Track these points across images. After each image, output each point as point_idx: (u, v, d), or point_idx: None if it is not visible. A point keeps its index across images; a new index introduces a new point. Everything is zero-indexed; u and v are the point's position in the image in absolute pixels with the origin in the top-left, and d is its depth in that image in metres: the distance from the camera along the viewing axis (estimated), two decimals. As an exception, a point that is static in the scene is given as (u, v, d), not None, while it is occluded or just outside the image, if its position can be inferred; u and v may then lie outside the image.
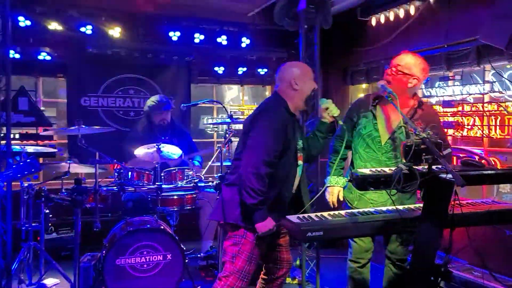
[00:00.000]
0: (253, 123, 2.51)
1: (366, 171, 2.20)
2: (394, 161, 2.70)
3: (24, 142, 4.70)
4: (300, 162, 2.60)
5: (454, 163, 3.66)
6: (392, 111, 2.76)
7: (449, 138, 4.10)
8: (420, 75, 2.71)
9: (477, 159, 3.83)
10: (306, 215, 2.24)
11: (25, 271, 3.88)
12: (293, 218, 2.19)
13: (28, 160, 2.18)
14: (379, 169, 2.25)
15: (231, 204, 2.50)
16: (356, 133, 2.83)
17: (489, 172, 2.21)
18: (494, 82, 3.66)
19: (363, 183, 2.13)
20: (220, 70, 5.65)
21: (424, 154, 2.09)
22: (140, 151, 3.77)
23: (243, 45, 5.47)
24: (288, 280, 4.09)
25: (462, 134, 3.95)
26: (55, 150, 4.47)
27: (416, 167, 2.08)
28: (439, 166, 2.11)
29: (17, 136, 4.72)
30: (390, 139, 2.73)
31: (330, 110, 2.59)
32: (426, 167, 2.06)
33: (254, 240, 2.47)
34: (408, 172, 2.06)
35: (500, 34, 2.27)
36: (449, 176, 1.96)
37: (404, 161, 2.08)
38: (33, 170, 2.19)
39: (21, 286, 3.82)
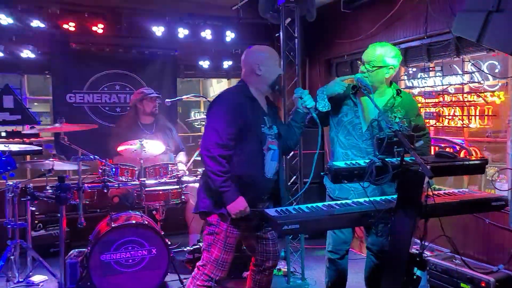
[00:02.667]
0: (208, 110, 2.54)
1: (341, 164, 2.24)
2: (374, 148, 2.74)
3: (10, 140, 4.69)
4: (272, 146, 2.57)
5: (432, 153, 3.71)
6: (376, 96, 2.79)
7: (431, 128, 4.15)
8: (394, 63, 2.75)
9: (458, 149, 3.91)
10: (284, 208, 2.28)
11: (12, 269, 3.91)
12: (271, 211, 2.23)
13: (4, 159, 2.18)
14: (353, 161, 2.30)
15: (202, 193, 2.56)
16: (338, 120, 2.85)
17: (460, 163, 2.26)
18: (473, 72, 3.70)
19: (337, 176, 2.18)
20: (205, 64, 5.65)
21: (396, 146, 2.14)
22: (123, 148, 3.79)
23: (228, 39, 5.46)
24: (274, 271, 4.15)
25: (443, 124, 4.00)
26: (41, 147, 4.46)
27: (390, 159, 2.13)
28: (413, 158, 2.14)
29: (3, 134, 4.71)
30: (370, 126, 2.76)
31: (304, 100, 2.59)
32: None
33: (227, 229, 2.50)
34: (381, 165, 2.11)
35: (472, 27, 2.30)
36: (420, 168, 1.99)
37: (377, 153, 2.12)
38: (9, 168, 2.19)
39: (8, 284, 3.85)
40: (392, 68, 2.74)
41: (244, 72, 2.61)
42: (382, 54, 2.72)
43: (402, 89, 2.95)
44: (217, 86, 7.49)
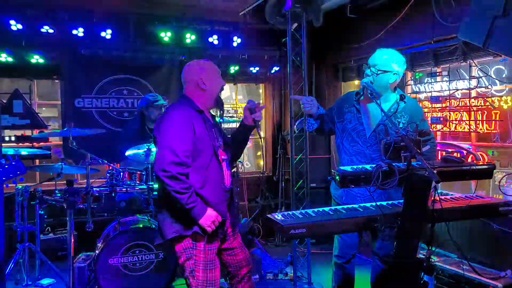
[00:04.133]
0: (157, 128, 2.43)
1: (347, 168, 2.25)
2: (379, 154, 2.74)
3: (20, 144, 4.76)
4: (224, 156, 2.55)
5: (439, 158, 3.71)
6: (375, 105, 2.81)
7: (438, 133, 4.14)
8: (399, 69, 2.76)
9: (465, 154, 3.90)
10: (290, 212, 2.29)
11: (21, 272, 3.95)
12: (276, 216, 2.24)
13: (13, 163, 2.21)
14: (360, 166, 2.31)
15: (168, 218, 2.41)
16: (342, 127, 2.87)
17: (467, 168, 2.26)
18: (480, 77, 3.70)
19: (344, 180, 2.19)
20: (212, 69, 5.68)
21: (402, 151, 2.14)
22: (131, 152, 3.82)
23: (235, 44, 5.50)
24: (280, 275, 4.15)
25: (450, 129, 3.99)
26: (49, 151, 4.52)
27: (397, 163, 2.14)
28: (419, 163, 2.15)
29: (13, 138, 4.78)
30: (374, 132, 2.77)
31: (256, 115, 2.57)
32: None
33: (205, 247, 2.40)
34: (388, 169, 2.12)
35: (478, 32, 2.31)
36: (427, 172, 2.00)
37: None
38: (18, 172, 2.21)
39: (17, 286, 3.89)
40: (396, 74, 2.76)
41: (186, 88, 2.53)
42: (388, 59, 2.74)
43: (406, 94, 2.96)
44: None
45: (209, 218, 2.34)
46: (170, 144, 2.31)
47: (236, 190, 2.70)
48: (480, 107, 3.75)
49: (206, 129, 2.44)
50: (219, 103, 2.59)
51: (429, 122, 4.18)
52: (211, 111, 2.66)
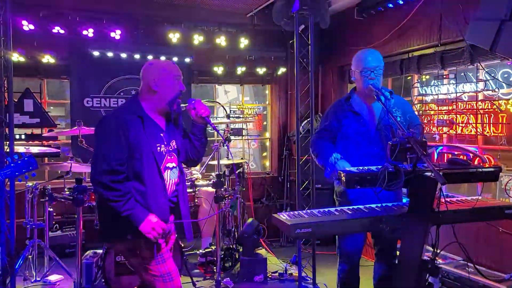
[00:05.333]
0: (94, 133, 2.34)
1: (353, 169, 2.27)
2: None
3: (30, 142, 4.83)
4: (170, 164, 2.37)
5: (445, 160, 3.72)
6: (369, 103, 2.83)
7: (444, 136, 4.15)
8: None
9: (471, 157, 3.90)
10: (296, 212, 2.31)
11: (30, 268, 4.01)
12: (282, 215, 2.26)
13: (26, 159, 2.26)
14: (366, 167, 2.33)
15: (110, 222, 2.30)
16: (342, 135, 2.85)
17: (473, 170, 2.27)
18: (488, 80, 3.70)
19: (350, 181, 2.21)
20: (219, 70, 5.73)
21: (409, 152, 2.16)
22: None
23: (242, 45, 5.54)
24: (285, 276, 4.18)
25: (456, 131, 4.00)
26: (59, 150, 4.58)
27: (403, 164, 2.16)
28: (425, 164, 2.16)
29: (23, 136, 4.85)
30: (378, 130, 2.79)
31: (197, 110, 2.41)
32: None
33: (155, 255, 2.28)
34: (393, 170, 2.14)
35: (485, 35, 2.32)
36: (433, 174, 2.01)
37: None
38: (30, 168, 2.26)
39: (26, 282, 3.95)
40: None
41: (140, 87, 2.37)
42: (381, 59, 2.81)
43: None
44: (227, 94, 7.53)
45: (148, 224, 2.19)
46: (103, 151, 2.21)
47: (184, 204, 2.46)
48: (486, 110, 3.75)
49: (145, 135, 2.26)
50: (172, 110, 2.37)
51: (435, 124, 4.19)
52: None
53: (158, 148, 2.31)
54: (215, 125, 2.53)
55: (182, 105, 2.43)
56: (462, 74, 3.94)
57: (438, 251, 2.20)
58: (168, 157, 2.36)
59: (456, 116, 3.99)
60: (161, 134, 2.35)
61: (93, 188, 2.23)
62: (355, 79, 2.88)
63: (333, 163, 2.61)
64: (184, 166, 2.58)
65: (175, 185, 2.40)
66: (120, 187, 2.19)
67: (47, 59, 5.02)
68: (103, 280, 3.47)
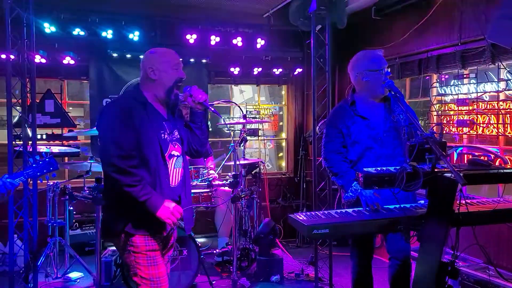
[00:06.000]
0: (98, 123, 2.31)
1: (371, 170, 2.26)
2: (400, 149, 2.73)
3: (51, 142, 4.93)
4: (175, 152, 2.33)
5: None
6: (372, 104, 2.80)
7: (464, 136, 4.08)
8: None
9: (492, 158, 3.82)
10: (313, 212, 2.31)
11: (51, 265, 4.10)
12: (299, 216, 2.26)
13: (47, 159, 2.32)
14: (384, 168, 2.31)
15: (113, 216, 2.28)
16: (353, 141, 2.81)
17: (494, 171, 2.23)
18: (509, 80, 3.63)
19: (368, 182, 2.19)
20: (236, 71, 5.75)
21: (427, 153, 2.14)
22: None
23: (258, 46, 5.55)
24: (301, 276, 4.17)
25: (477, 132, 3.93)
26: (79, 150, 4.67)
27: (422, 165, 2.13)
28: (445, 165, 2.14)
29: (44, 136, 4.96)
30: (387, 131, 2.76)
31: (194, 97, 2.37)
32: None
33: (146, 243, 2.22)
34: (412, 171, 2.12)
35: (507, 34, 2.28)
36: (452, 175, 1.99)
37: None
38: (51, 168, 2.32)
39: (48, 279, 4.03)
40: None
41: (140, 76, 2.35)
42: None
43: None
44: (243, 94, 7.56)
45: (166, 209, 2.17)
46: (113, 137, 2.16)
47: (189, 192, 2.43)
48: (508, 110, 3.67)
49: (149, 121, 2.24)
50: (171, 99, 2.31)
51: (455, 125, 4.12)
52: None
53: (162, 135, 2.28)
54: (215, 110, 2.52)
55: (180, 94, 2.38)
56: (483, 73, 3.87)
57: (458, 253, 2.18)
58: (172, 146, 2.32)
59: (477, 117, 3.92)
60: (164, 123, 2.31)
61: (110, 175, 2.14)
62: (367, 80, 2.76)
63: (358, 190, 2.62)
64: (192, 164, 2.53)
65: (181, 176, 2.36)
66: (136, 172, 2.16)
67: (68, 60, 5.11)
68: (122, 278, 3.53)
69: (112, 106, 2.35)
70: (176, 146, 2.35)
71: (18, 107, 3.81)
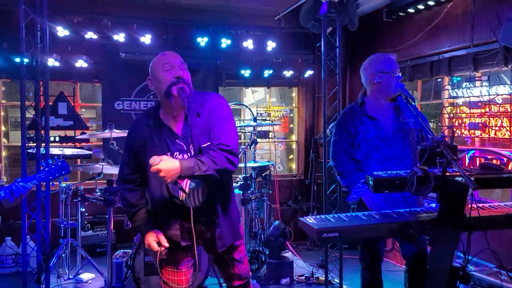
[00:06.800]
0: None
1: (381, 173, 2.25)
2: (408, 151, 2.73)
3: (63, 144, 5.00)
4: None
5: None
6: (382, 105, 2.80)
7: (476, 139, 4.04)
8: None
9: (505, 161, 3.77)
10: (323, 216, 2.30)
11: (63, 266, 4.15)
12: (309, 219, 2.26)
13: (59, 163, 2.37)
14: (394, 172, 2.30)
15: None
16: (361, 141, 2.81)
17: (507, 175, 2.20)
18: (523, 82, 3.58)
19: (378, 185, 2.18)
20: (246, 73, 5.77)
21: (438, 157, 2.12)
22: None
23: (269, 48, 5.56)
24: (312, 279, 4.16)
25: (489, 135, 3.88)
26: (91, 152, 4.72)
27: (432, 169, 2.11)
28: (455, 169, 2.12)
29: (57, 139, 5.03)
30: (395, 132, 2.76)
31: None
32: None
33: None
34: (423, 175, 2.10)
35: (519, 37, 2.25)
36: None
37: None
38: (63, 172, 2.38)
39: (59, 280, 4.08)
40: None
41: None
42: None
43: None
44: (255, 94, 7.58)
45: (146, 241, 2.14)
46: (121, 159, 2.24)
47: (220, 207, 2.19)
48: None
49: (153, 144, 2.10)
50: (171, 102, 2.07)
51: (467, 128, 4.08)
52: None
53: (168, 155, 2.07)
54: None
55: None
56: (496, 76, 3.82)
57: (469, 258, 2.15)
58: None
59: (489, 119, 3.87)
60: (177, 140, 2.11)
61: None
62: (378, 81, 2.77)
63: (361, 193, 2.63)
64: None
65: (199, 194, 2.10)
66: (129, 196, 2.17)
67: (80, 63, 5.18)
68: (132, 279, 3.55)
69: (130, 125, 2.30)
70: None
71: (31, 110, 3.87)
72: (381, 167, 2.79)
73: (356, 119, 2.81)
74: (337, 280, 4.06)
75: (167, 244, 2.13)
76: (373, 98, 2.83)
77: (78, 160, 5.18)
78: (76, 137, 5.01)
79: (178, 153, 2.11)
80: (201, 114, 2.15)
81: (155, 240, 2.12)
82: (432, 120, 4.77)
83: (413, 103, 2.70)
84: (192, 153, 2.11)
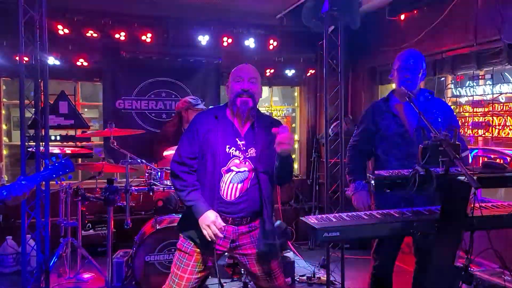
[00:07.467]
0: None
1: (383, 173, 2.22)
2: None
3: (64, 143, 4.99)
4: (235, 168, 2.33)
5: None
6: (406, 102, 2.77)
7: (479, 138, 4.00)
8: (425, 67, 2.85)
9: (508, 160, 3.74)
10: (324, 215, 2.28)
11: (63, 265, 4.13)
12: (310, 218, 2.23)
13: (63, 161, 2.34)
14: (396, 171, 2.27)
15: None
16: (380, 137, 2.82)
17: (510, 175, 2.17)
18: (527, 81, 3.55)
19: (380, 184, 2.16)
20: (248, 72, 5.73)
21: (441, 156, 2.09)
22: (169, 152, 3.91)
23: (271, 47, 5.54)
24: (313, 279, 4.13)
25: (493, 134, 3.84)
26: (92, 151, 4.71)
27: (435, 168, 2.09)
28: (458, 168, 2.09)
29: (58, 138, 5.02)
30: (416, 130, 2.74)
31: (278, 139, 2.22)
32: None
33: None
34: (425, 174, 2.07)
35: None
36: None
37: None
38: (67, 170, 2.34)
39: (60, 279, 4.07)
40: (422, 71, 2.82)
41: None
42: (420, 60, 2.81)
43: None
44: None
45: (205, 219, 2.26)
46: (178, 146, 2.44)
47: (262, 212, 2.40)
48: (525, 111, 3.59)
49: (216, 135, 2.33)
50: (233, 111, 2.35)
51: (470, 127, 4.04)
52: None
53: (228, 149, 2.34)
54: None
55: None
56: (499, 74, 3.78)
57: (472, 258, 2.12)
58: (236, 160, 2.34)
59: (493, 118, 3.83)
60: (237, 139, 2.35)
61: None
62: (392, 77, 2.90)
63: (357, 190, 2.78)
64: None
65: (240, 192, 2.33)
66: (186, 177, 2.34)
67: (81, 62, 5.17)
68: (133, 279, 3.54)
69: (194, 117, 2.51)
70: (246, 163, 2.34)
71: (31, 109, 3.86)
72: (401, 164, 2.74)
73: (377, 115, 2.85)
74: (339, 280, 4.03)
75: (223, 224, 2.30)
76: (397, 95, 2.88)
77: (79, 159, 5.17)
78: (76, 136, 4.99)
79: (234, 148, 2.35)
80: (267, 130, 2.35)
81: (217, 216, 2.28)
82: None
83: (416, 102, 2.69)
84: (253, 154, 2.37)
